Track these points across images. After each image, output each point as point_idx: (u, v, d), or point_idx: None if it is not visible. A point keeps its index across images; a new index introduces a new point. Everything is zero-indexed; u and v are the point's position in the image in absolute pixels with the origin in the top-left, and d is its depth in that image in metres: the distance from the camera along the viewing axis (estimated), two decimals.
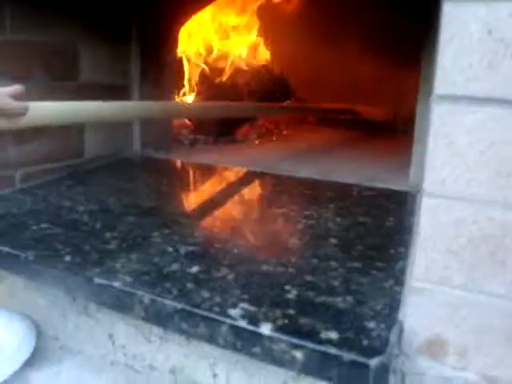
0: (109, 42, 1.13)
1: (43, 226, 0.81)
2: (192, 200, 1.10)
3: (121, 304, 0.63)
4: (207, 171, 1.27)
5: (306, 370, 0.54)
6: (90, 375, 0.73)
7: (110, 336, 0.76)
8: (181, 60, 1.56)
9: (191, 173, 1.30)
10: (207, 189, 1.15)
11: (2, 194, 0.98)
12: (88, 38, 1.07)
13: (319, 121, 1.90)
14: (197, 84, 1.57)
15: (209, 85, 1.59)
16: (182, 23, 1.31)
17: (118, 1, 1.13)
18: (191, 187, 1.21)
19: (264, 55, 1.83)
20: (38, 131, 0.97)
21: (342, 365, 0.51)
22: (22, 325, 0.75)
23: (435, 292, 0.54)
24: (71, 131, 1.09)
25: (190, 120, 1.51)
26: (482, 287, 0.52)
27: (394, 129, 1.78)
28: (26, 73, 0.96)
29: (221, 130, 1.51)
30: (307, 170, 1.20)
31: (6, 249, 0.73)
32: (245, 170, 1.22)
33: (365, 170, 1.22)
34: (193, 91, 1.58)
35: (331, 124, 1.84)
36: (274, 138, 1.69)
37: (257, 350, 0.55)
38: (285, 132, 1.78)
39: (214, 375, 0.69)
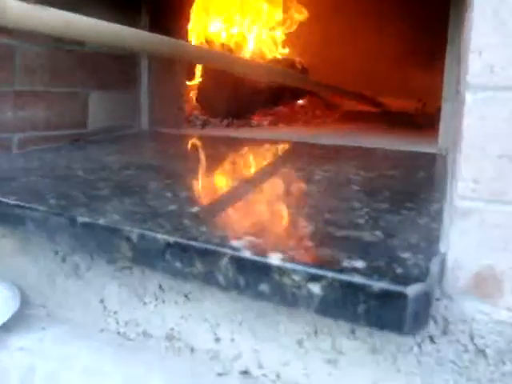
0: (118, 9, 1.06)
1: (33, 178, 0.73)
2: (200, 160, 0.99)
3: (106, 244, 0.54)
4: (217, 140, 1.17)
5: (326, 308, 0.42)
6: (75, 343, 0.64)
7: (101, 300, 0.66)
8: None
9: (200, 142, 1.20)
10: (217, 152, 1.05)
11: None
12: (96, 5, 1.01)
13: (342, 115, 1.80)
14: (205, 70, 1.48)
15: (217, 73, 1.50)
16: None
17: None
18: (199, 152, 1.12)
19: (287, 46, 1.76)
20: (37, 96, 0.91)
21: (371, 297, 0.40)
22: (3, 289, 0.66)
23: (486, 212, 0.44)
24: (74, 100, 1.02)
25: (201, 102, 1.43)
26: None
27: (419, 123, 1.68)
28: None
29: (235, 112, 1.43)
30: (328, 139, 1.09)
31: None
32: (258, 138, 1.12)
33: (392, 141, 1.11)
34: (200, 77, 1.49)
35: (354, 117, 1.74)
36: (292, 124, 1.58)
37: (264, 287, 0.45)
38: (303, 121, 1.67)
39: (217, 339, 0.58)
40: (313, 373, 0.54)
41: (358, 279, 0.41)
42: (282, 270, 0.44)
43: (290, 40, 1.83)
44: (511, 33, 0.41)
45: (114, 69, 1.05)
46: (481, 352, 0.46)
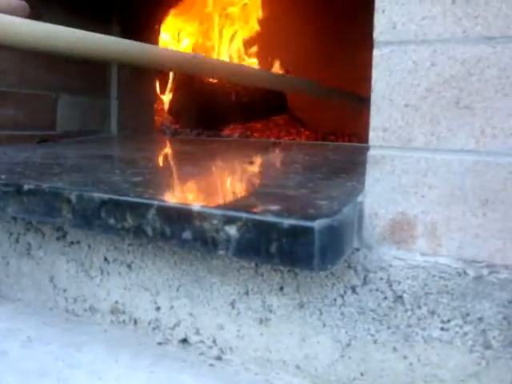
0: (88, 21, 1.11)
1: None
2: (158, 152, 1.02)
3: (49, 208, 0.56)
4: (180, 140, 1.20)
5: (243, 250, 0.44)
6: (22, 319, 0.65)
7: (51, 279, 0.68)
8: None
9: (163, 141, 1.23)
10: (176, 147, 1.08)
11: None
12: (66, 16, 1.06)
13: (317, 134, 1.83)
14: (178, 83, 1.53)
15: (190, 86, 1.55)
16: (166, 9, 1.30)
17: None
18: (160, 147, 1.13)
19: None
20: (4, 96, 0.94)
21: (282, 234, 0.42)
22: None
23: (396, 159, 0.46)
24: (42, 101, 1.05)
25: (173, 112, 1.47)
26: (448, 143, 0.44)
27: None
28: None
29: (206, 124, 1.47)
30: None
31: None
32: (221, 139, 1.15)
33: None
34: (172, 90, 1.54)
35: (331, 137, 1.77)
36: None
37: (187, 234, 0.47)
38: (275, 136, 1.69)
39: (157, 308, 0.60)
40: (246, 334, 0.55)
41: (269, 218, 0.43)
42: (201, 215, 0.46)
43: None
44: None
45: (83, 73, 1.09)
46: (399, 298, 0.47)
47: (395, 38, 0.45)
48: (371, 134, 0.47)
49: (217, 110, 1.53)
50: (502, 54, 0.42)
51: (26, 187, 0.58)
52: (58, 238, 0.67)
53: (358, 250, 0.49)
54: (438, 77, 0.44)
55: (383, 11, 0.46)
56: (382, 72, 0.46)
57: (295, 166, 0.68)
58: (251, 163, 0.70)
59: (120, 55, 0.91)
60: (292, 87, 1.26)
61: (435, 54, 0.44)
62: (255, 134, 1.59)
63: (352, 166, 0.68)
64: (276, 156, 0.80)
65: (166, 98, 1.53)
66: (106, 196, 0.51)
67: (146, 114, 1.30)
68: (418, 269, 0.46)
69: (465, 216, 0.44)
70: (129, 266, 0.61)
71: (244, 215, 0.44)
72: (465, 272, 0.45)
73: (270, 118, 1.76)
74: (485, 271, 0.44)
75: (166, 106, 1.54)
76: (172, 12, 1.37)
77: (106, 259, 0.63)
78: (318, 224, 0.41)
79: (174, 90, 1.54)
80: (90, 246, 0.64)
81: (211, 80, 1.57)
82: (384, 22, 0.46)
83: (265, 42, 1.86)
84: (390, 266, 0.47)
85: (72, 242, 0.66)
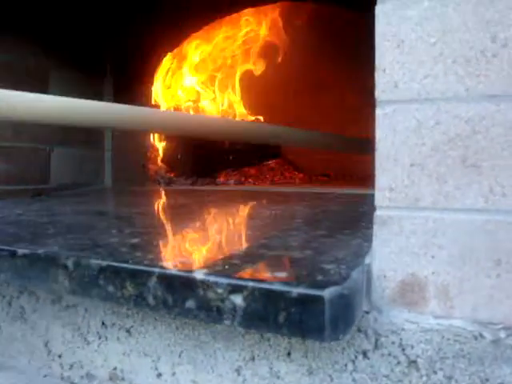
0: (83, 74, 1.12)
1: None
2: (154, 206, 1.01)
3: (45, 274, 0.54)
4: (177, 191, 1.19)
5: (249, 320, 0.42)
6: None
7: (46, 343, 0.65)
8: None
9: (159, 193, 1.21)
10: (173, 199, 1.07)
11: None
12: (61, 69, 1.06)
13: (311, 177, 1.83)
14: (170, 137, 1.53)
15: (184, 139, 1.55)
16: (158, 62, 1.32)
17: (92, 37, 1.14)
18: (156, 200, 1.13)
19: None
20: None
21: (291, 303, 0.41)
22: None
23: (403, 219, 0.45)
24: (36, 154, 1.04)
25: (167, 161, 1.46)
26: (457, 202, 0.43)
27: None
28: None
29: (200, 172, 1.46)
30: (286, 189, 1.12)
31: None
32: (216, 189, 1.14)
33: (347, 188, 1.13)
34: (166, 137, 1.53)
35: (324, 179, 1.77)
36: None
37: (191, 303, 0.45)
38: (270, 181, 1.68)
39: (158, 375, 0.57)
40: None
41: (277, 286, 0.41)
42: (205, 284, 0.44)
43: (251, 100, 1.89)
44: (409, 51, 0.44)
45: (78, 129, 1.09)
46: (412, 363, 0.45)
47: (397, 96, 0.45)
48: (377, 194, 0.46)
49: (211, 157, 1.53)
50: (506, 111, 0.42)
51: (20, 252, 0.56)
52: (53, 302, 0.64)
53: (367, 313, 0.47)
54: (443, 135, 0.43)
55: (384, 70, 0.45)
56: (386, 131, 0.45)
57: (297, 221, 0.67)
58: (251, 218, 0.69)
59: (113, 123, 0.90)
60: (290, 139, 1.26)
61: (439, 113, 0.44)
62: (250, 180, 1.59)
63: (354, 220, 0.67)
64: (275, 209, 0.79)
65: (160, 145, 1.53)
66: (104, 262, 0.49)
67: (139, 164, 1.30)
68: (431, 332, 0.44)
69: (477, 277, 0.43)
70: (128, 331, 0.59)
71: (250, 284, 0.42)
72: (481, 335, 0.43)
73: (263, 162, 1.76)
74: (502, 334, 0.42)
75: (160, 154, 1.53)
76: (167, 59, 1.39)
77: (103, 323, 0.61)
78: (327, 293, 0.39)
79: (168, 138, 1.54)
80: (86, 310, 0.62)
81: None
82: (385, 80, 0.45)
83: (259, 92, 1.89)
84: (402, 329, 0.45)
85: (68, 306, 0.63)
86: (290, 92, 1.87)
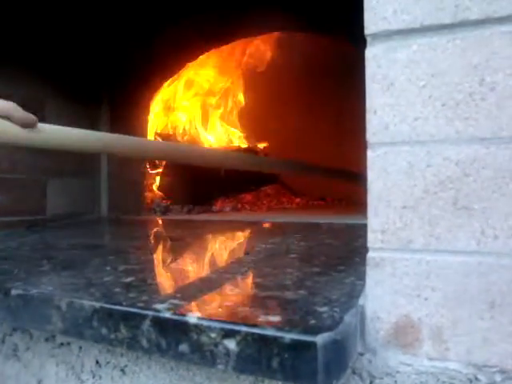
0: (79, 103, 1.13)
1: None
2: (149, 239, 1.00)
3: (38, 316, 0.53)
4: (173, 223, 1.19)
5: (243, 364, 0.42)
6: None
7: (39, 382, 0.64)
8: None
9: (155, 224, 1.21)
10: (168, 231, 1.07)
11: None
12: (57, 98, 1.07)
13: (308, 202, 1.83)
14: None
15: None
16: (154, 91, 1.33)
17: (88, 66, 1.15)
18: (151, 232, 1.12)
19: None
20: None
21: (284, 349, 0.40)
22: None
23: (396, 261, 0.45)
24: (32, 185, 1.05)
25: (163, 189, 1.47)
26: (449, 244, 0.43)
27: None
28: None
29: (196, 199, 1.46)
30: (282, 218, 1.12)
31: None
32: (213, 220, 1.14)
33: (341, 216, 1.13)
34: (162, 165, 1.54)
35: (320, 205, 1.77)
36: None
37: (184, 347, 0.45)
38: (267, 208, 1.68)
39: None
40: None
41: (269, 332, 0.41)
42: (198, 328, 0.44)
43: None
44: (399, 93, 0.45)
45: (73, 156, 1.09)
46: None
47: (388, 138, 0.45)
48: (370, 236, 0.46)
49: (207, 184, 1.53)
50: (495, 154, 0.42)
51: (13, 292, 0.56)
52: (46, 339, 0.64)
53: (362, 354, 0.47)
54: (435, 178, 0.44)
55: (375, 112, 0.46)
56: (378, 173, 0.46)
57: (291, 256, 0.67)
58: (246, 254, 0.69)
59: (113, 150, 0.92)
60: (281, 169, 1.28)
61: (430, 155, 0.44)
62: (246, 206, 1.60)
63: (349, 254, 0.67)
64: (270, 242, 0.79)
65: (156, 173, 1.54)
66: (97, 304, 0.49)
67: (136, 193, 1.30)
68: (426, 375, 0.44)
69: (471, 319, 0.43)
70: (122, 370, 0.58)
71: (243, 328, 0.42)
72: (476, 378, 0.43)
73: (260, 188, 1.77)
74: (498, 377, 0.42)
75: (157, 182, 1.54)
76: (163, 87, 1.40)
77: (97, 362, 0.60)
78: (320, 339, 0.39)
79: (164, 166, 1.55)
80: (80, 348, 0.61)
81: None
82: (376, 122, 0.46)
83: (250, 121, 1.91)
84: (397, 371, 0.45)
85: (62, 344, 0.63)
86: (289, 117, 1.90)
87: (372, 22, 0.46)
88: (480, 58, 0.43)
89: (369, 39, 0.46)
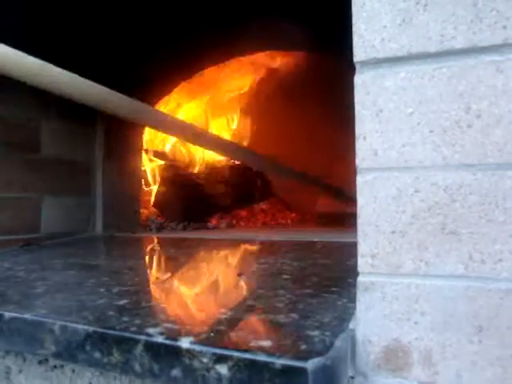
0: (74, 122, 1.14)
1: None
2: (143, 259, 1.00)
3: (31, 339, 0.54)
4: (167, 241, 1.19)
5: None
6: None
7: None
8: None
9: (149, 243, 1.21)
10: (162, 251, 1.07)
11: None
12: (52, 118, 1.08)
13: (302, 217, 1.84)
14: (163, 175, 1.55)
15: (175, 178, 1.56)
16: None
17: None
18: (145, 252, 1.12)
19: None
20: None
21: (275, 374, 0.41)
22: None
23: (386, 285, 0.46)
24: (27, 203, 1.05)
25: (158, 206, 1.47)
26: (437, 268, 0.44)
27: None
28: None
29: (192, 216, 1.47)
30: (278, 237, 1.12)
31: None
32: (207, 238, 1.15)
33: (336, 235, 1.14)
34: (157, 182, 1.55)
35: (315, 220, 1.78)
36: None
37: (177, 372, 0.45)
38: (262, 223, 1.69)
39: None
40: None
41: (261, 357, 0.41)
42: (191, 353, 0.44)
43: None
44: (387, 120, 0.46)
45: (67, 174, 1.10)
46: None
47: (377, 164, 0.46)
48: (360, 261, 0.46)
49: (202, 201, 1.54)
50: (482, 180, 0.43)
51: (7, 316, 0.56)
52: (39, 362, 0.64)
53: (352, 378, 0.47)
54: (422, 203, 0.44)
55: (364, 138, 0.47)
56: (367, 198, 0.46)
57: (284, 277, 0.67)
58: (239, 275, 0.69)
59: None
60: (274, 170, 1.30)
61: (418, 181, 0.45)
62: (241, 223, 1.60)
63: (341, 275, 0.68)
64: (264, 262, 0.79)
65: (151, 190, 1.54)
66: (90, 328, 0.50)
67: (131, 210, 1.30)
68: None
69: (460, 343, 0.43)
70: None
71: (235, 354, 0.42)
72: None
73: (254, 204, 1.77)
74: None
75: (152, 198, 1.55)
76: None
77: None
78: (311, 364, 0.40)
79: (159, 183, 1.56)
80: (73, 371, 0.61)
81: (195, 172, 1.61)
82: (365, 148, 0.47)
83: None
84: None
85: (55, 366, 0.63)
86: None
87: (361, 50, 0.47)
88: (466, 86, 0.44)
89: (358, 66, 0.47)
